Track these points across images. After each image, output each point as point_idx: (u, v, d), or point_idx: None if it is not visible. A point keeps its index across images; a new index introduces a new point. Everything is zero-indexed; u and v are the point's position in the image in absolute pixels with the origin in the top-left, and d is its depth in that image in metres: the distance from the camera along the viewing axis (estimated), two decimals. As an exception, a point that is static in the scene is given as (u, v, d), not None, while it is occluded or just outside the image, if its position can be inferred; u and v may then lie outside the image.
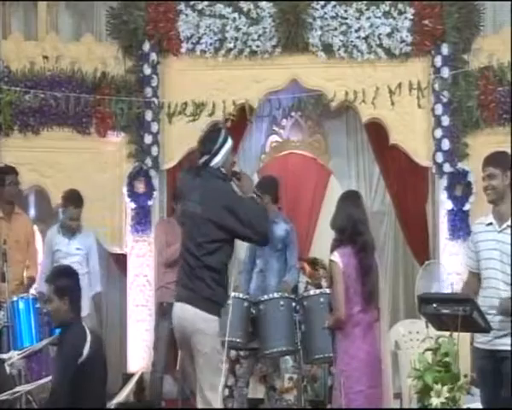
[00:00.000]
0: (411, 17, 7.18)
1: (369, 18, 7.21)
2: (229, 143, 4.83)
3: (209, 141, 4.90)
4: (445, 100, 7.14)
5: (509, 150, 6.23)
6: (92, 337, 4.63)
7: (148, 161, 7.31)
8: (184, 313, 4.61)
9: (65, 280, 4.73)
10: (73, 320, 4.68)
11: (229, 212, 4.68)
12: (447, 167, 7.15)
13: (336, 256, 4.66)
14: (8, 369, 4.82)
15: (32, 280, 6.65)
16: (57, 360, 4.68)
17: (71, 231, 6.58)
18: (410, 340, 6.50)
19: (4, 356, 5.00)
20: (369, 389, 4.71)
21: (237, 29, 7.27)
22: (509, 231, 4.67)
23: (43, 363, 6.15)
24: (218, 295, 4.66)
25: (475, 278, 4.84)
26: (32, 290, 6.65)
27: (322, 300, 5.42)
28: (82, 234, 6.64)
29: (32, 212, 7.78)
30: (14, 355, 4.94)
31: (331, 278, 4.75)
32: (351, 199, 4.92)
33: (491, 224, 4.76)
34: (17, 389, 4.51)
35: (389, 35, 7.19)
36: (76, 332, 4.64)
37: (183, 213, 4.88)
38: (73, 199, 6.54)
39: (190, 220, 4.75)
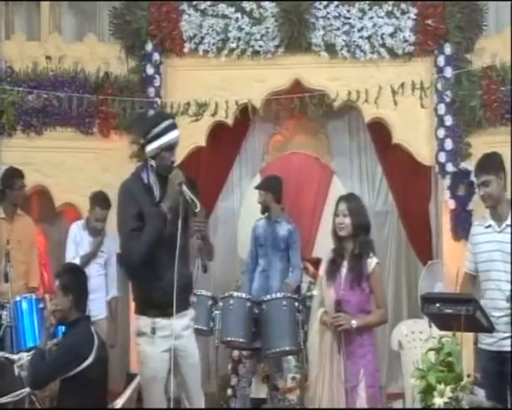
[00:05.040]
0: (414, 17, 7.17)
1: (371, 18, 7.20)
2: (170, 136, 4.45)
3: (139, 127, 4.66)
4: (447, 100, 7.13)
5: (509, 150, 6.25)
6: (98, 342, 4.65)
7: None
8: None
9: (71, 277, 4.75)
10: (79, 320, 4.69)
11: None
12: (450, 167, 7.14)
13: (376, 259, 4.72)
14: (16, 370, 4.83)
15: (32, 290, 6.64)
16: (55, 352, 4.70)
17: (96, 231, 6.63)
18: (413, 340, 6.50)
19: (14, 357, 5.01)
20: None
21: (240, 29, 7.27)
22: (508, 230, 4.68)
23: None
24: (136, 295, 4.62)
25: (472, 281, 4.85)
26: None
27: (324, 300, 5.40)
28: (107, 236, 6.69)
29: (35, 212, 7.78)
30: (23, 357, 4.95)
31: (369, 279, 4.71)
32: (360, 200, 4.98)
33: (490, 226, 4.76)
34: (21, 391, 4.53)
35: (392, 35, 7.19)
36: (81, 332, 4.65)
37: None
38: (99, 200, 6.62)
39: None
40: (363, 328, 4.68)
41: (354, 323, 4.65)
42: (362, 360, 4.64)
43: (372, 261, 4.70)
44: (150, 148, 4.47)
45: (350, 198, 4.92)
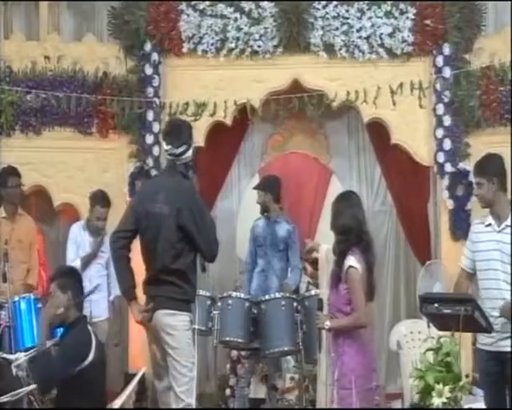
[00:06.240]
0: (413, 17, 7.18)
1: (370, 18, 7.21)
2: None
3: (185, 132, 4.99)
4: (446, 100, 7.14)
5: (507, 150, 6.25)
6: (96, 342, 4.65)
7: (150, 161, 7.31)
8: (157, 318, 4.76)
9: (67, 276, 4.77)
10: (78, 320, 4.70)
11: (190, 213, 4.68)
12: (448, 167, 7.15)
13: (354, 262, 4.62)
14: (14, 371, 4.82)
15: (30, 288, 6.63)
16: (57, 353, 4.70)
17: (97, 231, 6.61)
18: (412, 340, 6.51)
19: (12, 357, 5.00)
20: (375, 385, 4.74)
21: (239, 29, 7.27)
22: (507, 230, 4.68)
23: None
24: (186, 293, 4.74)
25: (468, 278, 4.85)
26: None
27: (323, 300, 5.40)
28: (108, 236, 6.68)
29: (33, 212, 7.77)
30: (20, 357, 4.94)
31: (345, 281, 4.67)
32: (352, 199, 4.89)
33: (490, 225, 4.76)
34: (19, 390, 4.51)
35: (391, 35, 7.20)
36: (80, 332, 4.65)
37: (146, 215, 4.82)
38: (100, 199, 6.65)
39: (155, 223, 4.73)
40: (338, 330, 4.68)
41: (327, 324, 4.65)
42: (337, 361, 4.63)
43: (346, 264, 4.66)
44: (192, 151, 5.03)
45: (336, 198, 4.94)
